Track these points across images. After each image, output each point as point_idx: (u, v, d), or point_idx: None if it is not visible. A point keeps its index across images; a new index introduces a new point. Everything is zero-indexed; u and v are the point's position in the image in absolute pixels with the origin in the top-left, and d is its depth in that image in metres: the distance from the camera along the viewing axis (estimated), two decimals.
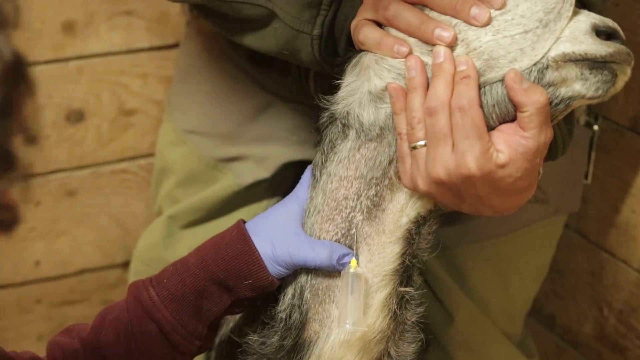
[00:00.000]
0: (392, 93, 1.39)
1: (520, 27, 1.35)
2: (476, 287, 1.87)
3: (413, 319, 1.48)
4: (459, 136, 1.33)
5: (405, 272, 1.46)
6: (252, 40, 1.53)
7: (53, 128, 2.18)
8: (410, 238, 1.45)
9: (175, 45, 2.19)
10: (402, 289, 1.46)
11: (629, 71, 1.38)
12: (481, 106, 1.34)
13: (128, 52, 2.20)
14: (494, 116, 1.36)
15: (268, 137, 1.83)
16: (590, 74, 1.35)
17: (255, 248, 1.42)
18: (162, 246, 1.89)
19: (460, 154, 1.33)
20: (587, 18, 1.36)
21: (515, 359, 1.95)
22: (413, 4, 1.40)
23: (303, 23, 1.47)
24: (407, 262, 1.45)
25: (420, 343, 1.49)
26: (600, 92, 1.36)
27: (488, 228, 1.85)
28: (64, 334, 1.45)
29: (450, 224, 1.82)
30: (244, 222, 1.46)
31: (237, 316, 1.58)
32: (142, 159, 2.29)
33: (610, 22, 1.37)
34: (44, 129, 2.18)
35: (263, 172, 1.83)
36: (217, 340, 1.62)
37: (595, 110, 1.97)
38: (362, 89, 1.42)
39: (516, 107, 1.34)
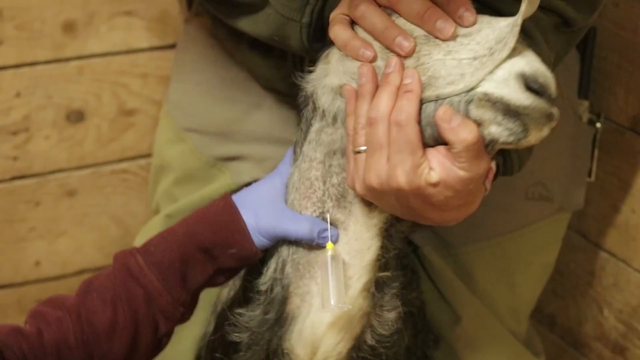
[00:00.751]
0: (347, 95, 1.42)
1: (471, 52, 1.35)
2: (482, 286, 1.87)
3: (390, 293, 1.52)
4: (393, 149, 1.36)
5: (384, 258, 1.50)
6: (245, 24, 1.56)
7: (53, 128, 2.18)
8: (387, 233, 1.49)
9: (175, 46, 2.19)
10: (381, 274, 1.50)
11: (546, 130, 1.35)
12: (419, 122, 1.35)
13: (128, 52, 2.20)
14: (428, 134, 1.36)
15: (266, 136, 1.84)
16: (503, 119, 1.33)
17: (241, 217, 1.48)
18: None
19: (392, 166, 1.36)
20: (528, 64, 1.33)
21: (522, 357, 1.95)
22: (384, 8, 1.42)
23: (293, 11, 1.50)
24: (385, 252, 1.49)
25: (399, 310, 1.52)
26: (512, 139, 1.34)
27: (493, 226, 1.85)
28: (45, 304, 1.48)
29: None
30: (230, 194, 1.52)
31: (233, 299, 1.61)
32: (142, 159, 2.29)
33: (542, 77, 1.33)
34: (43, 129, 2.18)
35: (261, 172, 1.84)
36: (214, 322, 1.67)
37: (597, 109, 1.98)
38: (324, 79, 1.46)
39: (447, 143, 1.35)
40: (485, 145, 1.35)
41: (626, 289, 2.04)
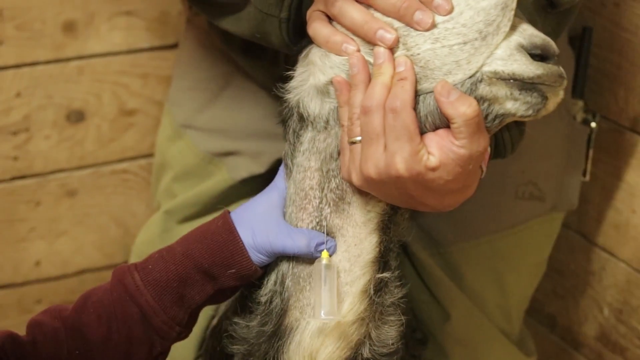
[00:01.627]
0: (337, 86, 1.41)
1: (460, 37, 1.35)
2: (472, 284, 1.87)
3: (391, 300, 1.50)
4: (390, 137, 1.35)
5: (383, 258, 1.48)
6: (229, 24, 1.56)
7: (53, 128, 2.18)
8: (385, 227, 1.47)
9: (175, 46, 2.19)
10: (380, 275, 1.48)
11: (561, 93, 1.38)
12: (415, 109, 1.35)
13: (128, 52, 2.20)
14: (427, 125, 1.37)
15: (262, 132, 1.84)
16: (520, 94, 1.35)
17: (240, 238, 1.46)
18: (159, 241, 1.90)
19: (390, 154, 1.35)
20: (521, 36, 1.35)
21: (512, 356, 1.95)
22: (360, 3, 1.41)
23: (271, 6, 1.49)
24: (384, 249, 1.48)
25: (402, 326, 1.50)
26: (530, 112, 1.36)
27: (483, 225, 1.85)
28: (44, 314, 1.48)
29: (445, 219, 1.82)
30: (229, 212, 1.50)
31: (231, 307, 1.60)
32: (142, 159, 2.29)
33: (539, 41, 1.36)
34: (44, 129, 2.18)
35: (258, 167, 1.85)
36: (208, 330, 1.66)
37: (593, 108, 1.98)
38: (309, 82, 1.44)
39: (446, 119, 1.35)
40: (492, 120, 1.36)
41: (626, 289, 2.04)
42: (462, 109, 1.33)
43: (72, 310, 1.47)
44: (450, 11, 1.36)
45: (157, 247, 1.90)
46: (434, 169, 1.35)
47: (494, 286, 1.90)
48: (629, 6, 1.90)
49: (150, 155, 2.26)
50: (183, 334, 1.49)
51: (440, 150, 1.35)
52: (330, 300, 1.43)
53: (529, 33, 1.36)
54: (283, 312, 1.48)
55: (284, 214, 1.49)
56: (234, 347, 1.52)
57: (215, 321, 1.68)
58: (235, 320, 1.52)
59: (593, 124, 1.95)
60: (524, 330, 2.02)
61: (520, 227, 1.87)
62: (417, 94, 1.36)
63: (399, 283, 1.50)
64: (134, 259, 1.99)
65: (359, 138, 1.38)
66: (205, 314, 1.72)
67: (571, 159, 1.92)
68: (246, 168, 1.85)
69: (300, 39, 1.50)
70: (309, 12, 1.46)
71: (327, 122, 1.44)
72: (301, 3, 1.48)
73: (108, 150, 2.26)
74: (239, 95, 1.85)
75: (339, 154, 1.44)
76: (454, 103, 1.33)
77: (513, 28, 1.35)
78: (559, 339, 2.24)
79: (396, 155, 1.34)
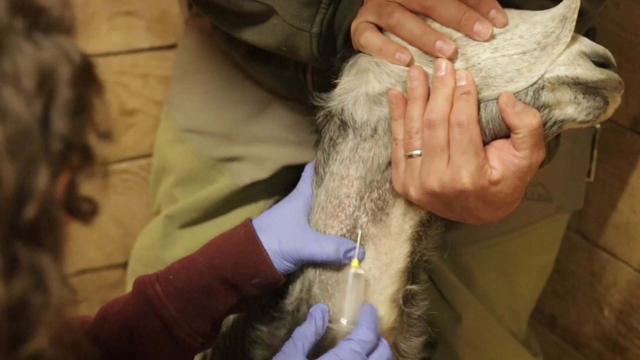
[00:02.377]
0: (393, 99, 1.40)
1: (518, 47, 1.37)
2: (482, 286, 1.87)
3: (418, 313, 1.49)
4: (456, 151, 1.35)
5: (412, 270, 1.47)
6: (251, 35, 1.54)
7: None
8: (418, 239, 1.46)
9: (175, 46, 2.19)
10: (409, 286, 1.47)
11: (619, 99, 1.41)
12: (479, 122, 1.36)
13: (128, 52, 2.20)
14: (487, 132, 1.38)
15: (267, 137, 1.83)
16: (584, 98, 1.37)
17: (263, 247, 1.42)
18: (159, 246, 1.89)
19: (456, 168, 1.35)
20: (580, 45, 1.38)
21: (521, 357, 1.95)
22: (416, 13, 1.42)
23: (302, 21, 1.48)
24: (414, 261, 1.47)
25: (426, 336, 1.50)
26: (591, 117, 1.39)
27: (492, 227, 1.85)
28: None
29: (458, 226, 1.82)
30: (251, 220, 1.46)
31: (252, 312, 1.58)
32: (142, 159, 2.29)
33: (601, 51, 1.39)
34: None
35: (261, 172, 1.83)
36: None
37: None
38: (359, 89, 1.43)
39: (509, 129, 1.36)
40: (550, 126, 1.38)
41: (626, 289, 2.04)
42: (528, 120, 1.34)
43: (93, 323, 1.44)
44: (506, 24, 1.38)
45: (158, 252, 1.90)
46: (496, 183, 1.36)
47: (504, 288, 1.90)
48: (629, 6, 1.90)
49: (150, 155, 2.26)
50: (206, 345, 1.46)
51: (501, 164, 1.36)
52: (354, 310, 1.41)
53: (589, 42, 1.39)
54: None
55: (309, 221, 1.47)
56: (259, 352, 1.49)
57: (231, 323, 1.63)
58: (261, 327, 1.49)
59: (598, 125, 1.95)
60: (529, 330, 2.02)
61: (529, 228, 1.88)
62: (478, 102, 1.37)
63: (425, 296, 1.50)
64: (134, 263, 1.98)
65: (417, 152, 1.38)
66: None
67: (576, 160, 1.93)
68: (249, 174, 1.84)
69: (328, 53, 1.49)
70: (354, 24, 1.45)
71: (374, 130, 1.43)
72: (333, 18, 1.48)
73: (108, 150, 2.25)
74: (243, 99, 1.84)
75: (387, 165, 1.43)
76: (519, 113, 1.34)
77: (573, 39, 1.37)
78: (559, 339, 2.24)
79: (462, 169, 1.35)
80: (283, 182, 1.82)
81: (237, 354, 1.55)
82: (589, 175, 1.98)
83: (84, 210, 0.99)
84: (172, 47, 2.21)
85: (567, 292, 2.20)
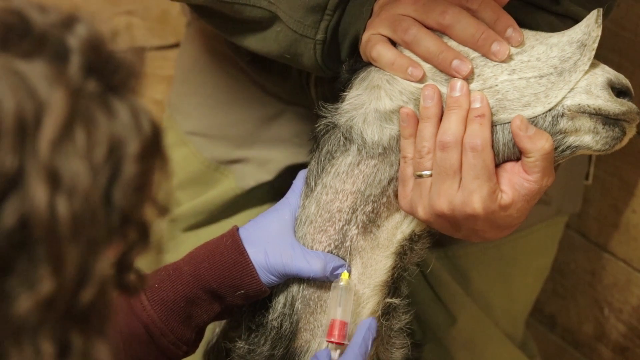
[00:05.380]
0: (404, 118, 1.38)
1: (535, 70, 1.36)
2: (479, 289, 1.87)
3: (398, 326, 1.48)
4: (469, 175, 1.34)
5: (394, 284, 1.46)
6: (253, 42, 1.52)
7: None
8: (403, 253, 1.45)
9: (175, 45, 2.19)
10: (389, 300, 1.46)
11: (634, 129, 1.40)
12: (492, 146, 1.35)
13: None
14: (499, 155, 1.37)
15: (270, 140, 1.82)
16: (603, 129, 1.37)
17: (250, 259, 1.41)
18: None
19: (468, 192, 1.34)
20: (603, 72, 1.37)
21: None
22: (432, 30, 1.40)
23: (306, 27, 1.46)
24: (397, 275, 1.46)
25: (407, 349, 1.49)
26: (607, 146, 1.38)
27: None
28: None
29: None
30: (238, 229, 1.45)
31: (223, 321, 1.58)
32: None
33: (624, 80, 1.39)
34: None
35: (265, 175, 1.83)
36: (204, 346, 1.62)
37: None
38: (369, 106, 1.41)
39: (521, 152, 1.35)
40: (561, 151, 1.37)
41: (626, 288, 2.04)
42: (540, 144, 1.33)
43: None
44: (522, 43, 1.37)
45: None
46: (505, 208, 1.35)
47: (501, 290, 1.90)
48: (629, 6, 1.90)
49: None
50: (189, 352, 1.46)
51: (512, 188, 1.35)
52: (346, 320, 1.41)
53: (611, 70, 1.38)
54: (293, 335, 1.45)
55: (295, 233, 1.45)
56: None
57: (214, 339, 1.62)
58: (242, 345, 1.48)
59: None
60: (526, 333, 2.02)
61: (527, 230, 1.87)
62: (493, 125, 1.36)
63: (407, 309, 1.49)
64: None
65: (427, 172, 1.36)
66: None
67: (575, 163, 1.92)
68: (253, 176, 1.83)
69: (332, 61, 1.47)
70: (366, 36, 1.42)
71: (385, 149, 1.41)
72: (338, 26, 1.46)
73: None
74: (246, 102, 1.82)
75: (389, 181, 1.41)
76: (532, 137, 1.33)
77: (593, 65, 1.36)
78: (559, 339, 2.24)
79: (474, 194, 1.33)
80: (287, 183, 1.82)
81: None
82: (587, 178, 1.98)
83: (132, 285, 0.96)
84: (172, 47, 2.21)
85: (567, 292, 2.20)
